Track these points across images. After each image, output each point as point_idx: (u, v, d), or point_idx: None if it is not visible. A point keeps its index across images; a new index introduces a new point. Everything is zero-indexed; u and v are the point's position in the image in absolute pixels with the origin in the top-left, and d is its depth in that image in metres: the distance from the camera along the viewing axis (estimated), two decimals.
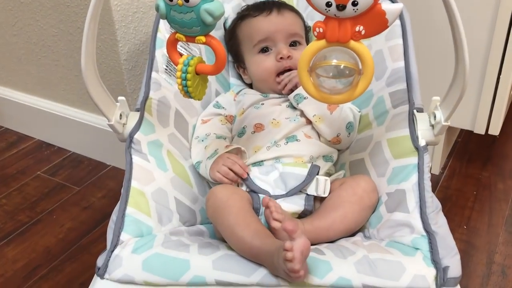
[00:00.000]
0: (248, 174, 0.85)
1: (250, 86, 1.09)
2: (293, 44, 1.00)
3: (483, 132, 1.23)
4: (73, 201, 1.29)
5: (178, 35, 0.69)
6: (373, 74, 0.65)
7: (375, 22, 0.61)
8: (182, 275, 0.67)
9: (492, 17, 1.10)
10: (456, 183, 1.32)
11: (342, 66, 0.65)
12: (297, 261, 0.61)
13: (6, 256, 1.13)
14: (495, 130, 1.22)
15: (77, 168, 1.42)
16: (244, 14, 1.04)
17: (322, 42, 0.63)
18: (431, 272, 0.67)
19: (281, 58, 0.97)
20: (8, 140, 1.56)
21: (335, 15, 0.61)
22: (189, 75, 0.69)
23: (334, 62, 0.65)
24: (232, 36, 1.06)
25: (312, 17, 1.09)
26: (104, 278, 0.69)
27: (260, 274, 0.67)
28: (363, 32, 0.62)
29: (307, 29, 1.06)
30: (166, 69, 0.96)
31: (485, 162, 1.40)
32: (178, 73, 0.70)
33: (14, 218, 1.23)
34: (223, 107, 1.02)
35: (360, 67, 0.65)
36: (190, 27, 0.67)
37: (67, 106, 1.45)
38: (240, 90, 1.06)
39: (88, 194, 1.32)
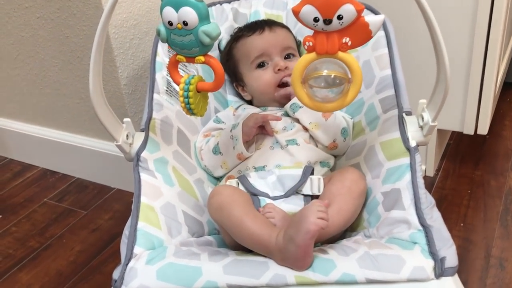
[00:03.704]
0: (247, 178, 0.90)
1: (249, 102, 1.14)
2: (288, 56, 1.07)
3: (472, 133, 1.28)
4: (81, 225, 1.33)
5: (178, 56, 0.74)
6: (362, 81, 0.70)
7: (360, 34, 0.67)
8: (196, 281, 0.70)
9: (471, 22, 1.15)
10: (450, 183, 1.37)
11: (332, 76, 0.70)
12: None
13: (20, 281, 1.15)
14: (483, 129, 1.27)
15: (82, 193, 1.46)
16: (238, 35, 1.10)
17: (313, 54, 0.69)
18: (429, 263, 0.70)
19: (278, 69, 1.03)
20: (13, 170, 1.60)
21: (322, 29, 0.66)
22: (191, 93, 0.74)
23: (325, 72, 0.70)
24: (229, 57, 1.12)
25: (302, 33, 1.14)
26: None
27: (269, 275, 0.70)
28: (349, 43, 0.67)
29: (297, 43, 1.12)
30: (166, 90, 1.01)
31: (477, 162, 1.45)
32: (181, 92, 0.74)
33: (25, 245, 1.27)
34: (223, 122, 1.07)
35: (349, 75, 0.70)
36: (189, 49, 0.71)
37: (69, 133, 1.49)
38: (239, 106, 1.12)
39: (95, 217, 1.35)
